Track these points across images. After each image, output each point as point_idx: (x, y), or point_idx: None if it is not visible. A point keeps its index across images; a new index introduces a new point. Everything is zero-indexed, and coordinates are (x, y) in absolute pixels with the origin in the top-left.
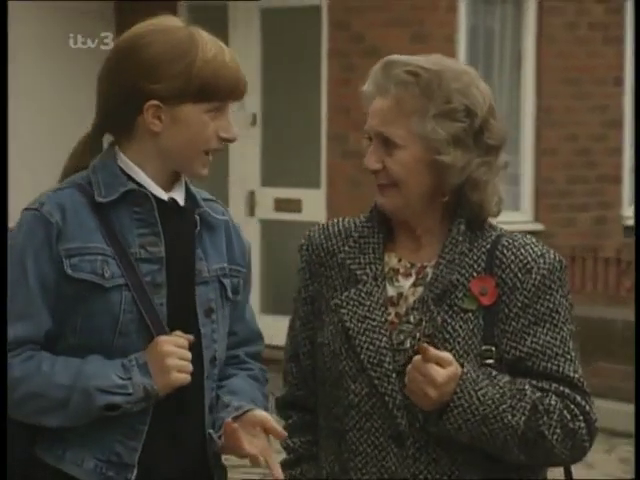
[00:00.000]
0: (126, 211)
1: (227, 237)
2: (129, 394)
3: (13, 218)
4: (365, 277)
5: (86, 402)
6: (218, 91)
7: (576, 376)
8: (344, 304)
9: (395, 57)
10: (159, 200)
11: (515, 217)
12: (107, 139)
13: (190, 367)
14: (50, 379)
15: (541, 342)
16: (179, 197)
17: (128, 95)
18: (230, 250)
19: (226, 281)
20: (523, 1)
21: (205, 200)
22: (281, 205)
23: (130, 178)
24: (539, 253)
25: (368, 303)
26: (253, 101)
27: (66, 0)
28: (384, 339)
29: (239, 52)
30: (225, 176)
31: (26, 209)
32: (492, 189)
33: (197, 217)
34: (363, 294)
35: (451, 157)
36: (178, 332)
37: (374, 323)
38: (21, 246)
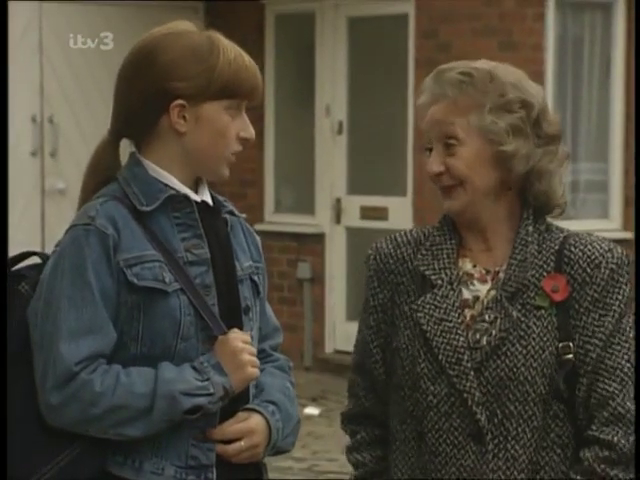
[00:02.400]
0: (166, 217)
1: (244, 235)
2: (211, 394)
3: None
4: (440, 281)
5: (171, 407)
6: (239, 89)
7: (627, 366)
8: (420, 308)
9: (443, 66)
10: (195, 203)
11: (604, 225)
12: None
13: (258, 362)
14: (131, 390)
15: (607, 332)
16: (208, 198)
17: (152, 96)
18: (249, 247)
19: (256, 278)
20: (612, 8)
21: (223, 200)
22: (367, 213)
23: (165, 185)
24: (606, 249)
25: (444, 306)
26: (340, 109)
27: (69, 0)
28: (461, 339)
29: (326, 60)
30: (311, 184)
31: (75, 225)
32: (558, 179)
33: (227, 217)
34: (439, 298)
35: (513, 146)
36: (235, 329)
37: (450, 324)
38: (79, 261)
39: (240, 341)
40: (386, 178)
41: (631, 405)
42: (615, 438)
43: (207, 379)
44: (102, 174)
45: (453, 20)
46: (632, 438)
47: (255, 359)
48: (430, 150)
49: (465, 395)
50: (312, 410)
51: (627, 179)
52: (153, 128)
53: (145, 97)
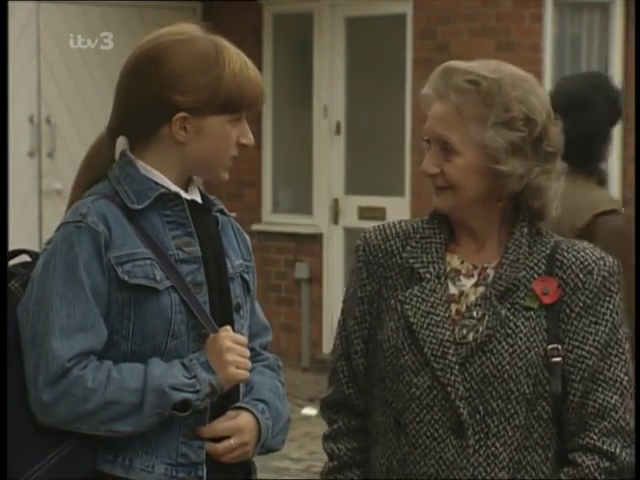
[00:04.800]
0: (157, 216)
1: (234, 234)
2: (197, 391)
3: None
4: (428, 275)
5: (160, 401)
6: (243, 102)
7: (625, 378)
8: (408, 300)
9: (455, 63)
10: (186, 201)
11: None
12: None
13: (249, 364)
14: (122, 385)
15: (602, 342)
16: (197, 198)
17: (154, 105)
18: (239, 246)
19: (246, 277)
20: (610, 8)
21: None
22: (365, 213)
23: (156, 183)
24: (599, 256)
25: (432, 299)
26: (337, 109)
27: (67, 0)
28: (447, 333)
29: (324, 60)
30: (309, 184)
31: (66, 222)
32: (553, 194)
33: (218, 215)
34: (427, 291)
35: (509, 167)
36: (227, 328)
37: (437, 318)
38: (71, 259)
39: (229, 340)
40: (384, 178)
41: (630, 418)
42: (617, 450)
43: (194, 376)
44: (96, 168)
45: (451, 20)
46: (629, 450)
47: (243, 360)
48: (429, 142)
49: (449, 389)
50: (309, 411)
51: (625, 179)
52: (152, 133)
53: (147, 104)
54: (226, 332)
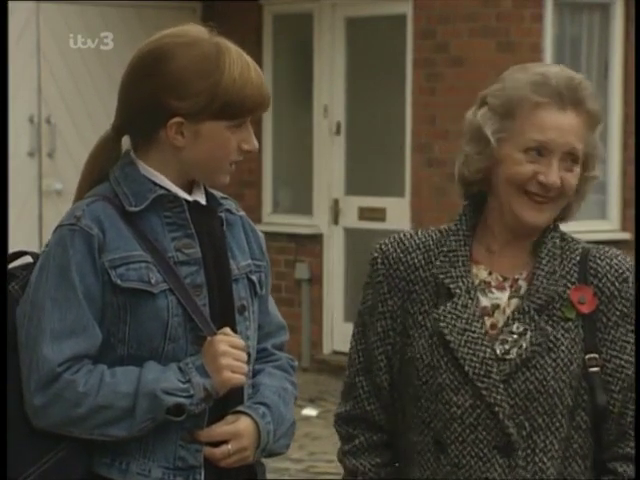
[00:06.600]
0: (156, 217)
1: (245, 233)
2: (191, 395)
3: None
4: (458, 290)
5: (152, 405)
6: (242, 109)
7: None
8: (442, 317)
9: (560, 70)
10: (187, 202)
11: (602, 226)
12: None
13: (245, 368)
14: (115, 389)
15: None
16: (201, 198)
17: (152, 108)
18: (250, 245)
19: (254, 277)
20: (610, 9)
21: (221, 198)
22: (365, 214)
23: (155, 184)
24: (631, 264)
25: (465, 316)
26: (338, 110)
27: (67, 0)
28: (488, 350)
29: (324, 60)
30: (309, 184)
31: (61, 225)
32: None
33: (223, 215)
34: (459, 307)
35: (598, 172)
36: (226, 331)
37: (474, 335)
38: (64, 262)
39: (225, 344)
40: (384, 179)
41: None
42: None
43: (188, 380)
44: (101, 167)
45: (451, 20)
46: None
47: (239, 364)
48: (532, 150)
49: (496, 408)
50: (310, 411)
51: (625, 180)
52: (151, 136)
53: (145, 106)
54: (223, 335)
